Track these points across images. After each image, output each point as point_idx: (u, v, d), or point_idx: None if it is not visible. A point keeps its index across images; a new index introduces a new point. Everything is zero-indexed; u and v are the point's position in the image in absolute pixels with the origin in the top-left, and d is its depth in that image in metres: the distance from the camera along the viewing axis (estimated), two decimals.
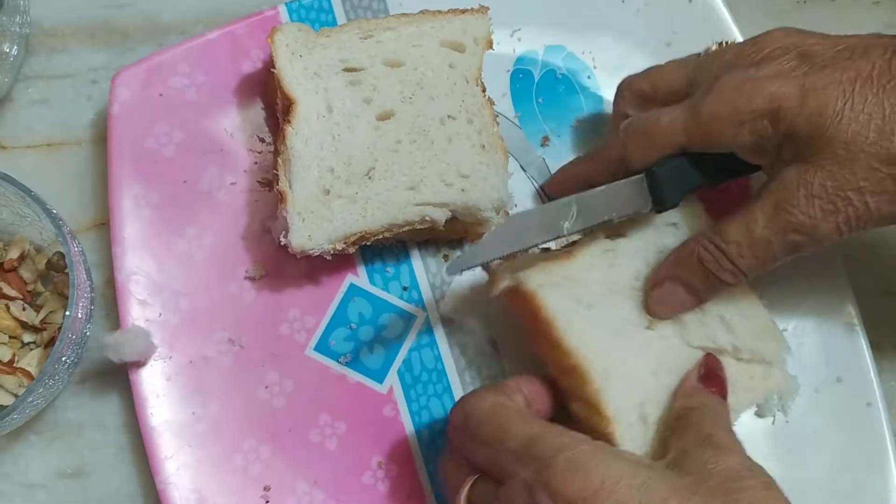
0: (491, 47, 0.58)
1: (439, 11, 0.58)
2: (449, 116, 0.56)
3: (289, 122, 0.54)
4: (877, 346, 0.58)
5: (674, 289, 0.52)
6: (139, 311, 0.55)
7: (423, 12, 0.58)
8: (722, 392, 0.50)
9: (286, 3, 0.60)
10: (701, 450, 0.44)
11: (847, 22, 0.65)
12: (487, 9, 0.58)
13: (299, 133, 0.54)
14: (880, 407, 0.56)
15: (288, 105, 0.55)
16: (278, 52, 0.55)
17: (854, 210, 0.46)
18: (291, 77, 0.55)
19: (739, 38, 0.60)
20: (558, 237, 0.52)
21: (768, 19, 0.65)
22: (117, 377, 0.58)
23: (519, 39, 0.62)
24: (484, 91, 0.57)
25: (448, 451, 0.50)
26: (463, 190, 0.55)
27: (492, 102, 0.57)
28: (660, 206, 0.52)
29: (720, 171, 0.52)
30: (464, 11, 0.58)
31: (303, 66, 0.55)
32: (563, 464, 0.43)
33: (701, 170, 0.52)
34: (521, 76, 0.61)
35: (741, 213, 0.50)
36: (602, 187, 0.52)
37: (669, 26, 0.60)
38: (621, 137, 0.54)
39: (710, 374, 0.51)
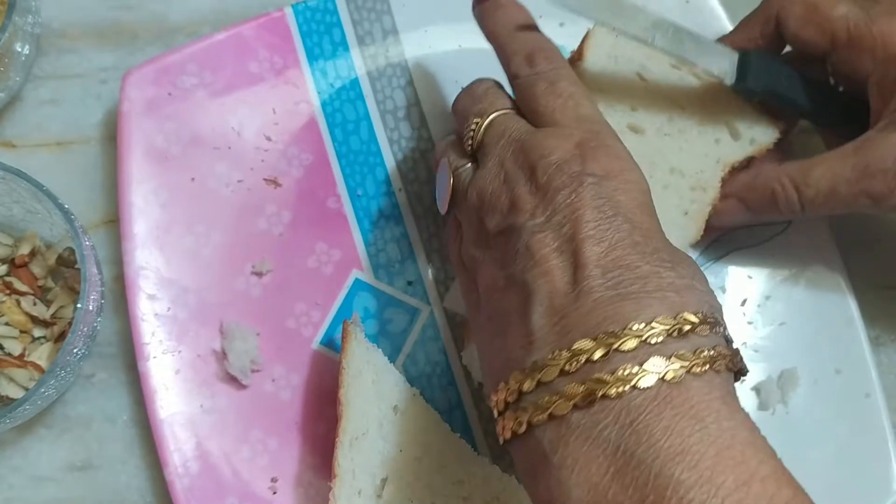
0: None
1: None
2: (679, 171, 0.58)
3: None
4: (875, 340, 0.59)
5: (738, 207, 0.57)
6: (148, 305, 0.57)
7: None
8: None
9: (293, 5, 0.61)
10: None
11: None
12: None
13: None
14: (879, 398, 0.57)
15: None
16: None
17: None
18: None
19: None
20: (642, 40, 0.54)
21: None
22: (127, 372, 0.59)
23: None
24: None
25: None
26: None
27: None
28: (741, 81, 0.55)
29: (815, 104, 0.56)
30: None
31: None
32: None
33: (798, 89, 0.56)
34: None
35: (832, 162, 0.52)
36: (698, 33, 0.55)
37: None
38: None
39: None
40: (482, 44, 0.57)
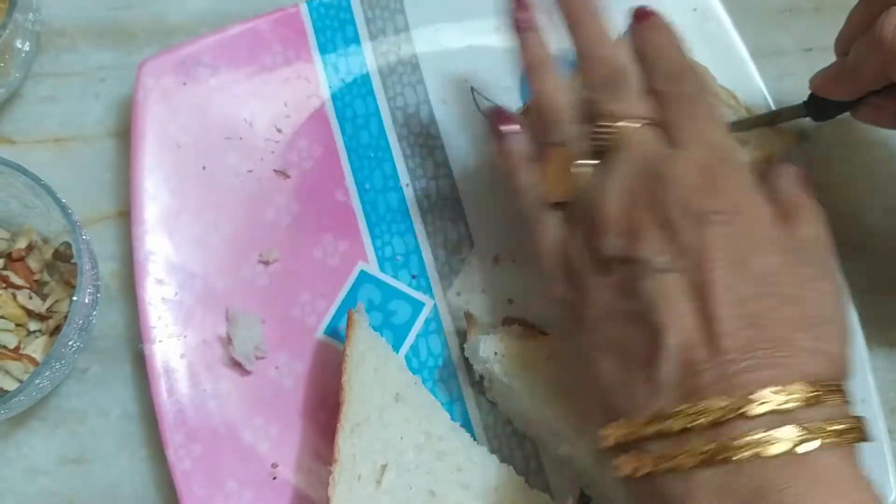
0: None
1: None
2: None
3: None
4: (869, 345, 0.63)
5: None
6: (156, 289, 0.60)
7: None
8: None
9: (307, 1, 0.66)
10: None
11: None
12: None
13: None
14: (875, 403, 0.61)
15: None
16: None
17: None
18: None
19: (741, 46, 0.66)
20: None
21: (768, 27, 0.71)
22: (121, 366, 0.63)
23: None
24: None
25: None
26: None
27: None
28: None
29: None
30: None
31: None
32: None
33: None
34: None
35: None
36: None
37: None
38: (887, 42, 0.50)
39: None
40: (491, 42, 0.62)
